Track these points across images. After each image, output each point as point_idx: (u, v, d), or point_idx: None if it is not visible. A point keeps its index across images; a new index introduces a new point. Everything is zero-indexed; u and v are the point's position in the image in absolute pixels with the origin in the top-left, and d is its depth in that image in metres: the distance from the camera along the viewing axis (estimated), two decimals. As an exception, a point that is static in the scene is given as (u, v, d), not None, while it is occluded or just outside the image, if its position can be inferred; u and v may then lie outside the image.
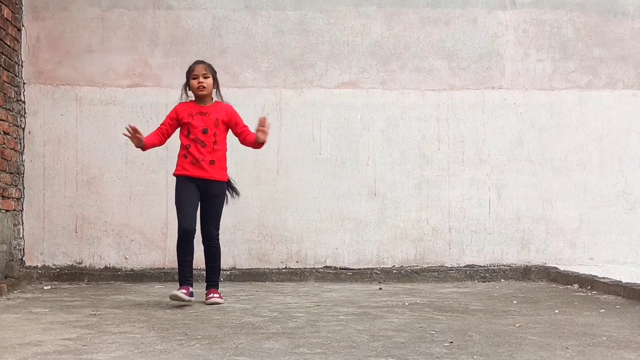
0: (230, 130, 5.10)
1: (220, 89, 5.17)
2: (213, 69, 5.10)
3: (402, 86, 6.95)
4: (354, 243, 6.87)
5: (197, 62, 5.08)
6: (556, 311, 4.69)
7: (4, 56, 6.23)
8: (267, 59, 6.88)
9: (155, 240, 6.73)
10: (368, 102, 6.92)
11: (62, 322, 4.18)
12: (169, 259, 6.67)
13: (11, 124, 6.40)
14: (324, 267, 6.83)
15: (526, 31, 7.01)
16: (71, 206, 6.71)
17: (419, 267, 6.83)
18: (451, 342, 3.56)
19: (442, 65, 6.97)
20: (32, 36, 6.74)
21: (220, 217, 5.07)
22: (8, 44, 6.35)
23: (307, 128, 6.88)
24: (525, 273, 6.79)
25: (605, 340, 3.64)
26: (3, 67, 6.21)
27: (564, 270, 6.63)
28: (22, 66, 6.70)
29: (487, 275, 6.76)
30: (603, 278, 5.98)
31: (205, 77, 4.99)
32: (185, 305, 4.89)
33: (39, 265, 6.66)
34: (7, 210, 6.27)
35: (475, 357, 3.21)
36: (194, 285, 5.05)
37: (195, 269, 5.12)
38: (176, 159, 6.78)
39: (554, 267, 6.80)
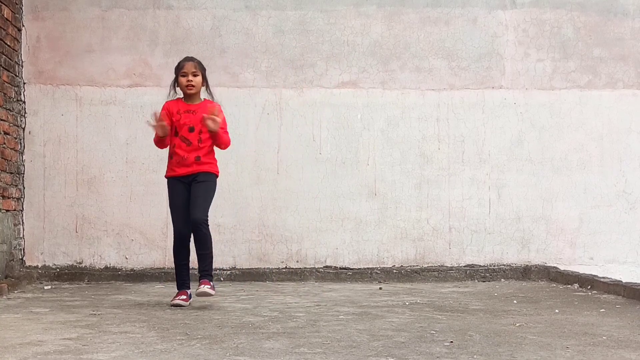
0: None
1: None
2: (202, 66, 5.00)
3: (402, 86, 6.95)
4: (354, 243, 6.87)
5: (187, 59, 4.99)
6: (556, 311, 4.69)
7: (4, 56, 6.23)
8: (267, 59, 6.88)
9: (155, 240, 6.73)
10: (368, 102, 6.93)
11: (63, 322, 4.18)
12: (169, 259, 6.66)
13: (11, 124, 6.41)
14: (324, 266, 6.83)
15: (526, 31, 7.01)
16: (71, 206, 6.71)
17: (419, 267, 6.83)
18: (451, 341, 3.56)
19: (442, 65, 6.97)
20: (32, 36, 6.74)
21: (208, 202, 4.90)
22: (8, 43, 6.35)
23: (307, 128, 6.88)
24: (525, 273, 6.79)
25: (605, 339, 3.65)
26: (3, 67, 6.21)
27: (564, 270, 6.63)
28: (22, 66, 6.70)
29: (487, 275, 6.76)
30: (603, 278, 5.98)
31: (195, 75, 4.91)
32: (185, 305, 4.89)
33: (40, 265, 6.66)
34: (7, 210, 6.27)
35: (475, 356, 3.22)
36: (197, 286, 5.02)
37: (192, 269, 5.10)
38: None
39: (554, 267, 6.81)
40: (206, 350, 3.32)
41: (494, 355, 3.24)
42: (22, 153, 6.67)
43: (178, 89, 5.01)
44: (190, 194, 4.89)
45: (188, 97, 4.97)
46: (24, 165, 6.68)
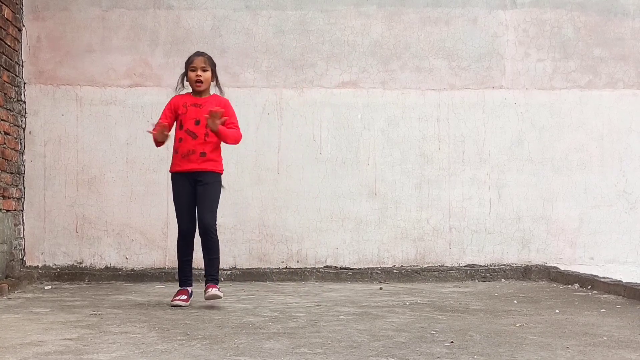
0: None
1: (221, 87, 5.10)
2: (213, 61, 4.98)
3: (403, 86, 6.95)
4: (355, 243, 6.87)
5: (197, 54, 4.97)
6: (557, 311, 4.69)
7: (4, 56, 6.23)
8: (268, 59, 6.88)
9: (155, 240, 6.73)
10: (368, 102, 6.93)
11: (63, 322, 4.18)
12: (170, 258, 6.67)
13: (12, 124, 6.41)
14: (324, 266, 6.83)
15: (526, 31, 7.01)
16: (72, 206, 6.71)
17: (419, 267, 6.83)
18: (452, 342, 3.56)
19: (443, 65, 6.97)
20: (32, 36, 6.74)
21: (215, 206, 4.89)
22: (8, 44, 6.35)
23: (307, 128, 6.88)
24: (525, 273, 6.79)
25: (605, 340, 3.65)
26: (4, 67, 6.21)
27: (564, 270, 6.63)
28: (22, 66, 6.70)
29: (488, 275, 6.76)
30: (603, 278, 5.98)
31: (204, 71, 4.89)
32: (185, 305, 4.89)
33: (40, 265, 6.67)
34: (7, 210, 6.28)
35: (475, 357, 3.22)
36: (194, 285, 5.04)
37: (195, 269, 5.10)
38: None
39: (554, 267, 6.81)
40: (207, 351, 3.32)
41: (494, 356, 3.24)
42: (22, 153, 6.67)
43: (187, 83, 4.99)
44: (194, 192, 4.87)
45: (196, 92, 4.96)
46: (24, 165, 6.68)
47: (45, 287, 6.07)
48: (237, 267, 6.76)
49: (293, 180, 6.85)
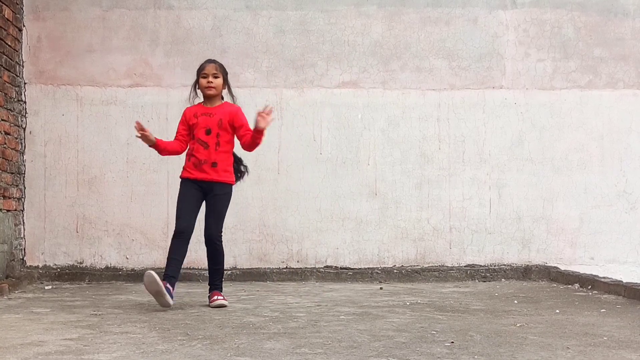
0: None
1: (233, 94, 5.10)
2: (224, 69, 5.00)
3: (403, 86, 6.95)
4: (355, 243, 6.88)
5: (209, 61, 4.99)
6: (557, 311, 4.69)
7: (4, 56, 6.23)
8: (268, 59, 6.89)
9: (156, 240, 6.74)
10: (369, 102, 6.93)
11: (64, 322, 4.19)
12: (170, 258, 6.67)
13: (12, 124, 6.41)
14: (324, 266, 6.83)
15: (527, 31, 7.01)
16: (72, 206, 6.72)
17: (419, 267, 6.83)
18: (452, 342, 3.57)
19: (443, 65, 6.97)
20: (33, 36, 6.74)
21: (222, 218, 4.92)
22: (9, 44, 6.35)
23: (307, 128, 6.88)
24: (526, 273, 6.79)
25: (606, 340, 3.65)
26: (4, 67, 6.22)
27: (564, 270, 6.64)
28: (23, 66, 6.71)
29: (488, 274, 6.76)
30: (604, 278, 5.99)
31: (215, 77, 4.91)
32: (186, 305, 4.90)
33: (40, 265, 6.67)
34: (8, 210, 6.28)
35: (476, 357, 3.22)
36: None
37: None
38: (176, 159, 6.79)
39: (554, 267, 6.81)
40: (207, 351, 3.33)
41: (494, 356, 3.24)
42: (22, 153, 6.67)
43: (199, 90, 4.99)
44: (201, 198, 4.90)
45: (207, 99, 4.96)
46: (24, 165, 6.68)
47: (46, 287, 6.07)
48: (237, 267, 6.76)
49: (293, 180, 6.86)
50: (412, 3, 6.96)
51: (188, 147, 4.95)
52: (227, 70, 5.06)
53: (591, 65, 7.03)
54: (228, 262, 6.70)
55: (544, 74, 7.01)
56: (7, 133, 6.27)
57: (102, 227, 6.73)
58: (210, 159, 4.83)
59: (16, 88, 6.53)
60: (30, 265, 6.64)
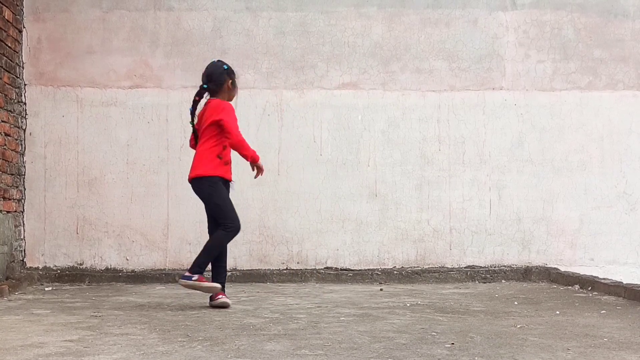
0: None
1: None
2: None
3: (403, 87, 6.95)
4: (355, 244, 6.87)
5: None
6: (557, 312, 4.69)
7: (5, 58, 6.23)
8: (268, 60, 6.89)
9: (156, 241, 6.74)
10: (369, 103, 6.93)
11: (64, 323, 4.19)
12: (170, 260, 6.68)
13: (12, 126, 6.41)
14: (324, 268, 6.83)
15: (527, 32, 7.01)
16: (72, 207, 6.71)
17: (419, 268, 6.83)
18: (452, 343, 3.56)
19: (443, 66, 6.97)
20: (33, 37, 6.74)
21: (218, 214, 5.00)
22: (9, 45, 6.35)
23: (307, 129, 6.88)
24: (526, 274, 6.79)
25: (606, 341, 3.65)
26: (4, 69, 6.21)
27: (564, 271, 6.64)
28: (23, 67, 6.71)
29: (488, 276, 6.76)
30: (604, 279, 5.98)
31: None
32: (186, 307, 4.90)
33: (40, 267, 6.66)
34: (8, 212, 6.28)
35: (476, 358, 3.22)
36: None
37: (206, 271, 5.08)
38: (176, 160, 6.83)
39: (554, 268, 6.81)
40: (207, 352, 3.33)
41: (495, 357, 3.24)
42: (22, 154, 6.67)
43: (232, 92, 5.09)
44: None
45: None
46: (24, 166, 6.68)
47: (46, 289, 6.07)
48: (237, 268, 6.76)
49: (293, 182, 6.85)
50: (412, 4, 6.96)
51: (222, 146, 4.98)
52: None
53: (591, 67, 7.03)
54: (228, 263, 6.64)
55: (544, 75, 7.01)
56: (7, 134, 6.27)
57: (102, 228, 6.72)
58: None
59: (16, 89, 6.53)
60: (30, 267, 6.64)
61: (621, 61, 7.05)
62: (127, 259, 6.73)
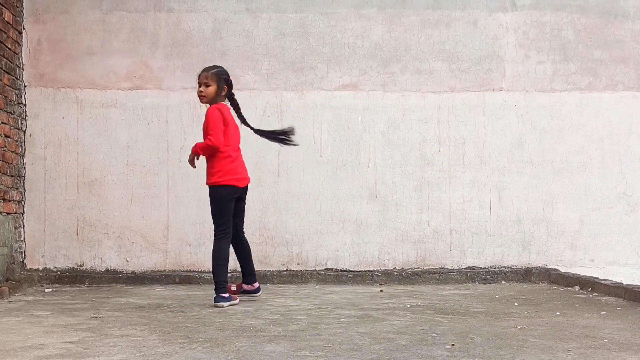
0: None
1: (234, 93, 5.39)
2: (219, 76, 5.21)
3: (403, 88, 6.95)
4: (355, 245, 6.87)
5: (203, 70, 5.28)
6: (557, 313, 4.69)
7: (4, 59, 6.24)
8: (268, 62, 6.89)
9: (156, 242, 6.73)
10: (369, 104, 6.93)
11: (64, 325, 4.19)
12: (170, 261, 6.68)
13: (12, 127, 6.41)
14: (324, 269, 6.83)
15: (526, 33, 7.02)
16: (72, 209, 6.71)
17: (419, 269, 6.83)
18: (452, 344, 3.56)
19: (443, 67, 6.97)
20: (33, 39, 6.74)
21: (214, 221, 5.21)
22: (9, 46, 6.35)
23: (307, 130, 6.88)
24: (526, 275, 6.79)
25: (606, 342, 3.65)
26: (4, 70, 6.22)
27: (564, 272, 6.63)
28: (23, 69, 6.71)
29: (488, 277, 6.76)
30: (604, 280, 5.98)
31: (207, 86, 5.21)
32: (186, 308, 4.90)
33: (40, 268, 6.66)
34: (8, 213, 6.28)
35: (476, 359, 3.22)
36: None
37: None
38: (176, 161, 6.83)
39: (554, 269, 6.81)
40: (207, 354, 3.33)
41: (495, 358, 3.24)
42: (22, 156, 6.67)
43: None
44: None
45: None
46: (24, 168, 6.68)
47: (46, 290, 6.07)
48: (237, 269, 6.74)
49: (293, 183, 6.86)
50: (412, 5, 6.97)
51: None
52: (227, 73, 5.30)
53: (591, 68, 7.04)
54: (229, 265, 6.70)
55: (544, 76, 7.02)
56: (7, 136, 6.27)
57: (102, 229, 6.72)
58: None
59: (16, 91, 6.53)
60: (30, 268, 6.64)
61: (621, 62, 7.05)
62: (127, 261, 6.73)
